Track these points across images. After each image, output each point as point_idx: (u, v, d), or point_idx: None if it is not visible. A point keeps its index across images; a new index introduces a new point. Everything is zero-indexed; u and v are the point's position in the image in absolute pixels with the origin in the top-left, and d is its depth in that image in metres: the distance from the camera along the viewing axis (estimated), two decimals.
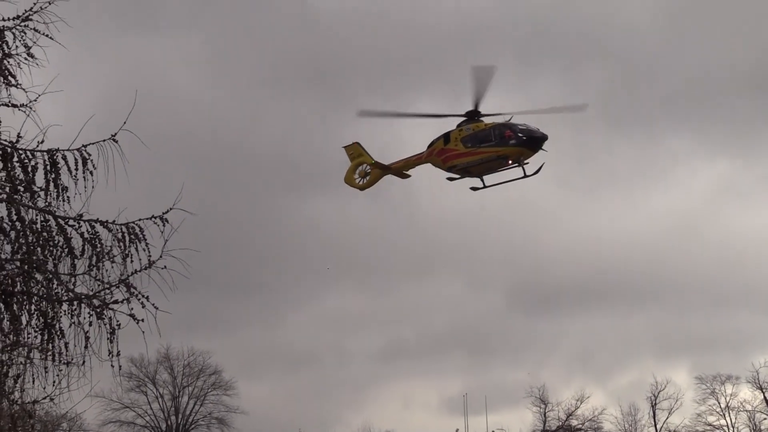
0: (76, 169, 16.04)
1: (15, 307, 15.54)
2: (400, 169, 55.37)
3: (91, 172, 16.06)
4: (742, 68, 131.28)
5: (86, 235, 15.92)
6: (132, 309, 15.65)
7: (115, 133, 16.20)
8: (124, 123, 16.22)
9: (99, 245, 15.91)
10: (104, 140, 16.23)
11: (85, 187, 15.98)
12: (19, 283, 15.62)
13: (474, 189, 53.53)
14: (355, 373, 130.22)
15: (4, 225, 15.74)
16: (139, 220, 16.13)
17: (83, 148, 16.14)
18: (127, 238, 16.00)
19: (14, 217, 15.70)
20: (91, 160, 16.09)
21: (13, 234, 15.76)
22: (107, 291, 15.75)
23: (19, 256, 15.71)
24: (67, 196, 15.93)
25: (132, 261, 15.96)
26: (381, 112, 51.94)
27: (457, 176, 54.05)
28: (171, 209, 16.12)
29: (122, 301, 15.67)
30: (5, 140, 15.94)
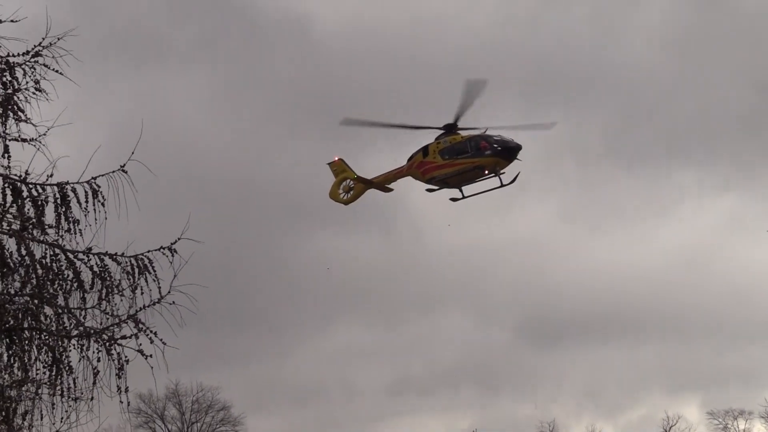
0: (87, 202, 15.55)
1: (23, 342, 14.91)
2: (382, 183, 55.66)
3: (102, 204, 15.54)
4: (745, 104, 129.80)
5: (95, 269, 15.35)
6: (140, 344, 15.14)
7: (124, 164, 15.73)
8: (132, 153, 15.78)
9: (108, 279, 15.34)
10: (113, 171, 15.76)
11: (96, 219, 15.46)
12: (27, 318, 15.02)
13: (453, 200, 54.02)
14: (363, 408, 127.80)
15: (14, 260, 15.12)
16: (148, 251, 15.64)
17: (93, 180, 15.68)
18: (136, 271, 15.45)
19: (24, 252, 15.10)
20: (101, 192, 15.61)
21: (22, 269, 15.14)
22: (116, 326, 15.16)
23: (28, 291, 15.10)
24: (79, 229, 15.39)
25: (142, 293, 15.39)
26: (364, 121, 51.57)
27: (435, 187, 54.22)
28: (179, 239, 15.62)
29: (130, 337, 15.14)
30: (15, 175, 15.40)
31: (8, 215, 15.36)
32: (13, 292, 15.32)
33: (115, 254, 15.63)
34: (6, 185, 15.46)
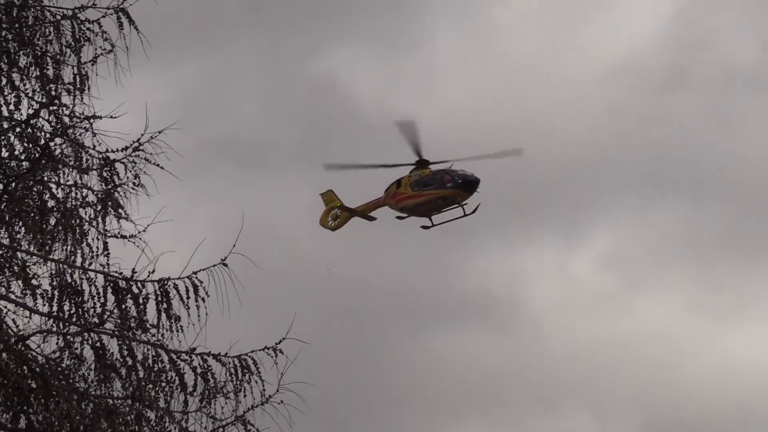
0: (188, 298, 13.45)
1: None
2: (364, 212, 55.17)
3: (203, 299, 13.48)
4: None
5: (198, 370, 13.25)
6: None
7: (225, 257, 13.74)
8: (234, 246, 13.77)
9: (212, 380, 13.22)
10: (214, 265, 13.84)
11: (198, 316, 13.41)
12: (130, 422, 12.86)
13: (424, 227, 53.36)
14: None
15: (116, 361, 12.98)
16: (252, 351, 13.65)
17: (194, 275, 13.67)
18: (239, 372, 13.33)
19: (125, 353, 12.98)
20: (203, 287, 13.58)
21: (124, 370, 13.00)
22: (223, 428, 13.07)
23: (130, 393, 12.95)
24: (180, 326, 13.29)
25: (245, 395, 13.30)
26: (346, 165, 50.68)
27: (405, 215, 53.51)
28: (284, 339, 13.55)
29: None
30: (116, 272, 13.32)
31: (112, 315, 13.19)
32: (116, 395, 13.11)
33: (219, 354, 13.64)
34: (108, 284, 13.32)
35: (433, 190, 52.08)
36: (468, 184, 51.76)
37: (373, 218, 56.09)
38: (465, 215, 52.59)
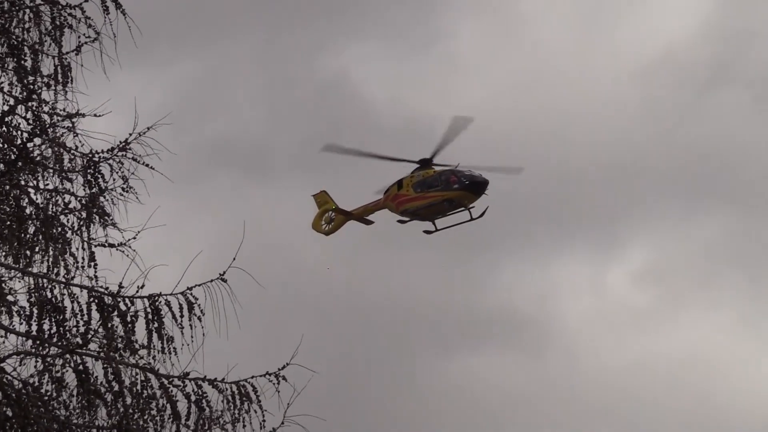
0: (182, 316, 12.19)
1: None
2: (361, 215, 52.76)
3: (198, 318, 12.17)
4: None
5: (192, 397, 11.98)
6: None
7: (224, 272, 12.43)
8: (234, 260, 12.72)
9: (208, 408, 11.93)
10: (212, 280, 12.64)
11: (193, 337, 12.10)
12: None
13: (427, 232, 51.12)
14: None
15: (100, 387, 11.69)
16: (252, 377, 12.33)
17: (188, 291, 12.40)
18: (238, 399, 12.04)
19: (111, 377, 11.69)
20: (199, 305, 12.34)
21: (109, 396, 11.71)
22: None
23: (116, 422, 11.67)
24: (173, 347, 11.97)
25: (244, 426, 12.00)
26: (345, 149, 48.51)
27: (407, 219, 51.28)
28: (287, 365, 12.20)
29: None
30: (101, 287, 11.96)
31: (97, 335, 11.88)
32: (100, 424, 11.82)
33: (215, 380, 12.31)
34: (92, 300, 12.00)
35: (438, 192, 49.53)
36: (476, 186, 49.16)
37: (370, 222, 53.48)
38: (472, 219, 50.20)
